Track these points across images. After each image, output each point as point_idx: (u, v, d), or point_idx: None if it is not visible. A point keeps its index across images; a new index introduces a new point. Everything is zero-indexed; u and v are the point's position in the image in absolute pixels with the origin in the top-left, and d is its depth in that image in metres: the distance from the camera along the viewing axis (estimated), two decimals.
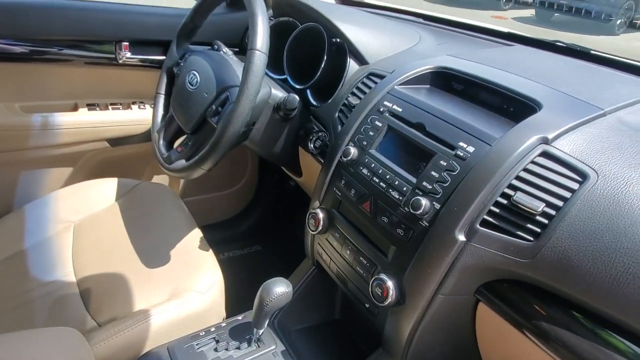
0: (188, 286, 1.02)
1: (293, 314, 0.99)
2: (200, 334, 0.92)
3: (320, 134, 1.04)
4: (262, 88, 1.02)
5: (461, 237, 0.66)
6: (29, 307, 1.00)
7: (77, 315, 0.98)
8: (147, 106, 1.49)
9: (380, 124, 0.83)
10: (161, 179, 1.65)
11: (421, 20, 1.34)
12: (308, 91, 1.13)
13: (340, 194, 0.86)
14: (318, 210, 0.89)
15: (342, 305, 1.04)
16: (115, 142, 1.46)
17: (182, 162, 1.01)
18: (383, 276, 0.73)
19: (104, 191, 1.31)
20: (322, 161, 0.96)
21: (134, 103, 1.48)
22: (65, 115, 1.35)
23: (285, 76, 1.20)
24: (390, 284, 0.72)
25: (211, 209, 1.80)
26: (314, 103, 1.11)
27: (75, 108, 1.39)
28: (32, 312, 0.99)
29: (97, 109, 1.41)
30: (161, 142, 1.12)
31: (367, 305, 0.81)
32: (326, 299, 1.03)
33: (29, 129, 1.30)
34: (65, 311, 0.99)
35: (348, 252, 0.83)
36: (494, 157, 0.66)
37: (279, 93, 1.07)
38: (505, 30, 1.21)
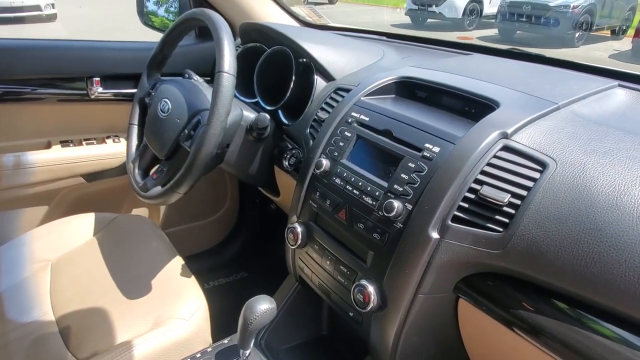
0: (171, 314, 1.00)
1: (280, 333, 0.98)
2: None
3: (294, 151, 1.05)
4: (234, 110, 1.04)
5: (434, 235, 0.67)
6: (6, 350, 0.97)
7: (56, 354, 0.95)
8: (122, 139, 1.49)
9: (349, 134, 0.85)
10: (141, 211, 1.64)
11: (384, 38, 1.40)
12: (279, 111, 1.15)
13: (316, 206, 0.87)
14: (296, 225, 0.89)
15: (329, 320, 1.04)
16: (91, 177, 1.45)
17: (158, 189, 1.02)
18: (364, 282, 0.74)
19: (81, 227, 1.29)
20: (297, 176, 0.98)
21: (108, 137, 1.48)
22: (38, 153, 1.34)
23: (256, 99, 1.23)
24: (371, 289, 0.73)
25: (194, 239, 1.79)
26: (286, 122, 1.13)
27: (48, 146, 1.39)
28: (10, 355, 0.96)
29: (71, 145, 1.41)
30: (136, 171, 1.12)
31: (351, 314, 0.81)
32: (312, 315, 1.03)
33: (1, 169, 1.28)
34: (44, 351, 0.97)
35: (328, 262, 0.83)
36: (459, 154, 0.69)
37: (250, 114, 1.08)
38: (465, 42, 1.27)
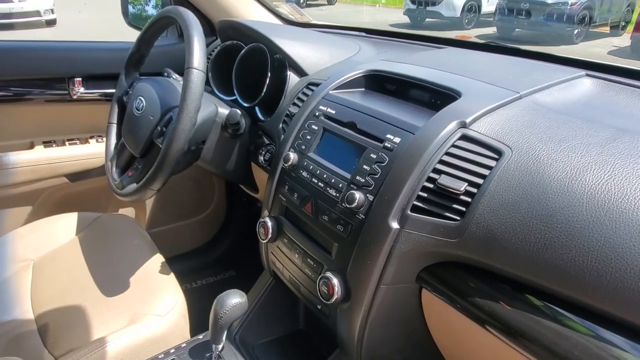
0: (147, 310, 1.01)
1: (255, 328, 0.98)
2: (159, 356, 0.90)
3: (269, 146, 1.06)
4: (208, 107, 1.05)
5: (395, 225, 0.67)
6: None
7: (33, 351, 0.96)
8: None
9: (316, 128, 0.86)
10: (126, 211, 1.64)
11: (364, 34, 1.40)
12: (257, 108, 1.16)
13: (285, 199, 0.87)
14: (267, 219, 0.89)
15: (304, 315, 1.04)
16: (75, 177, 1.46)
17: (133, 186, 1.02)
18: (328, 274, 0.74)
19: (63, 226, 1.30)
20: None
21: (91, 137, 1.49)
22: (21, 153, 1.35)
23: (235, 97, 1.23)
24: (335, 281, 0.73)
25: (182, 238, 1.79)
26: (262, 118, 1.13)
27: (31, 146, 1.39)
28: None
29: (54, 145, 1.42)
30: (114, 169, 1.13)
31: (319, 307, 0.81)
32: (288, 310, 1.03)
33: None
34: (22, 349, 0.97)
35: (297, 255, 0.84)
36: (418, 144, 0.69)
37: (225, 111, 1.09)
38: (443, 37, 1.27)
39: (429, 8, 9.67)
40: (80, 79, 1.38)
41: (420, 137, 0.69)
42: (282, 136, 0.98)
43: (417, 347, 0.80)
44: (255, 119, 1.15)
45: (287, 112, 1.01)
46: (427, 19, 10.18)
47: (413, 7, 9.92)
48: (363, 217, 0.71)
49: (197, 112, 0.92)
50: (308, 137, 0.86)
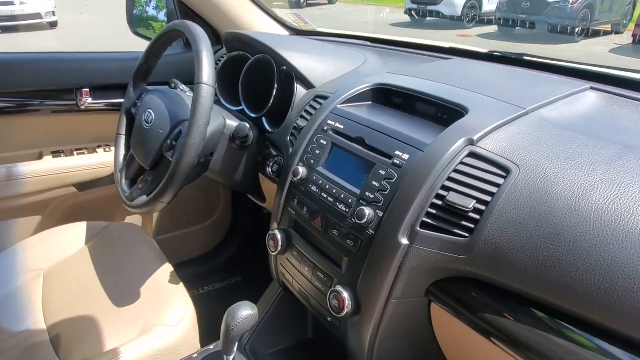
0: (158, 321, 1.02)
1: (265, 338, 1.00)
2: None
3: (277, 158, 1.07)
4: (216, 119, 1.06)
5: (404, 241, 0.68)
6: None
7: None
8: (113, 149, 1.51)
9: (325, 142, 0.87)
10: (134, 219, 1.66)
11: (368, 43, 1.41)
12: (263, 119, 1.17)
13: (294, 213, 0.89)
14: (276, 232, 0.91)
15: (313, 325, 1.05)
16: (83, 186, 1.47)
17: (143, 198, 1.03)
18: (339, 288, 0.75)
19: (73, 236, 1.32)
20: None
21: (99, 147, 1.50)
22: (30, 164, 1.36)
23: (242, 107, 1.24)
24: (345, 294, 0.74)
25: (188, 245, 1.81)
26: (270, 129, 1.14)
27: (40, 157, 1.41)
28: None
29: (63, 155, 1.44)
30: (124, 181, 1.15)
31: (329, 319, 0.82)
32: (297, 320, 1.04)
33: None
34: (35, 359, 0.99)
35: (307, 268, 0.85)
36: (426, 162, 0.70)
37: (233, 123, 1.10)
38: (447, 45, 1.28)
39: (430, 7, 9.67)
40: (88, 89, 1.40)
41: (428, 154, 0.71)
42: (291, 149, 0.99)
43: (426, 358, 0.81)
44: (262, 130, 1.16)
45: (295, 125, 1.02)
46: (428, 18, 10.18)
47: (414, 6, 9.92)
48: (373, 232, 0.72)
49: (207, 126, 0.93)
50: (317, 151, 0.87)
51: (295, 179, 0.87)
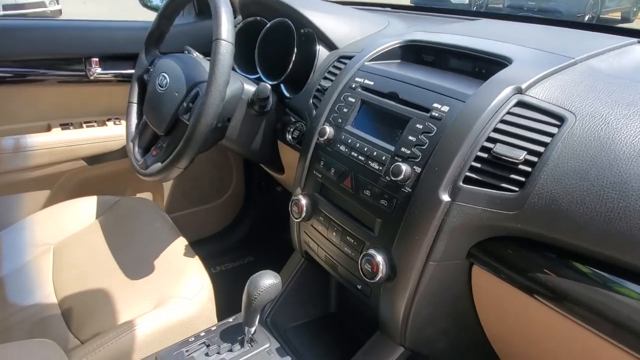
0: (173, 293, 0.98)
1: (286, 311, 0.95)
2: (190, 339, 0.88)
3: (297, 124, 1.02)
4: (234, 83, 1.01)
5: (445, 198, 0.63)
6: (8, 334, 0.95)
7: (58, 335, 0.93)
8: (123, 122, 1.46)
9: (353, 100, 0.81)
10: (144, 195, 1.61)
11: (389, 9, 1.35)
12: (282, 85, 1.12)
13: (320, 176, 0.84)
14: (300, 197, 0.86)
15: (337, 297, 1.00)
16: (93, 160, 1.42)
17: (157, 165, 0.99)
18: (372, 251, 0.70)
19: (83, 210, 1.27)
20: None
21: (108, 120, 1.45)
22: (38, 136, 1.32)
23: (258, 75, 1.19)
24: (379, 258, 0.69)
25: (200, 223, 1.76)
26: (288, 95, 1.09)
27: (48, 129, 1.36)
28: (12, 338, 0.94)
29: (71, 127, 1.38)
30: (136, 149, 1.10)
31: (359, 287, 0.77)
32: (319, 292, 1.00)
33: (0, 152, 1.26)
34: (46, 333, 0.94)
35: (334, 234, 0.80)
36: (469, 112, 0.65)
37: (251, 87, 1.05)
38: (474, 10, 1.22)
39: None
40: (97, 59, 1.34)
41: (471, 105, 0.65)
42: (314, 111, 0.94)
43: (462, 328, 0.76)
44: (280, 97, 1.11)
45: (319, 87, 0.97)
46: (434, 5, 10.04)
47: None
48: (409, 190, 0.67)
49: (227, 85, 0.88)
50: (344, 110, 0.82)
51: (321, 139, 0.82)
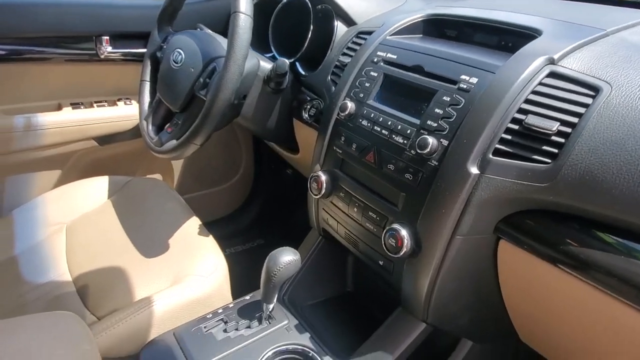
0: (190, 271, 0.97)
1: (303, 289, 0.95)
2: (207, 316, 0.88)
3: (314, 101, 1.00)
4: (251, 59, 0.99)
5: (474, 170, 0.62)
6: (23, 311, 0.95)
7: (74, 312, 0.92)
8: (134, 102, 1.44)
9: (375, 74, 0.80)
10: (154, 176, 1.60)
11: None
12: (297, 63, 1.10)
13: (341, 151, 0.82)
14: (320, 173, 0.85)
15: (354, 276, 1.00)
16: (104, 140, 1.41)
17: (173, 142, 0.97)
18: (396, 226, 0.69)
19: (95, 190, 1.26)
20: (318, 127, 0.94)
21: (119, 100, 1.43)
22: (49, 115, 1.30)
23: (272, 54, 1.18)
24: (404, 232, 0.68)
25: (208, 206, 1.75)
26: (304, 73, 1.07)
27: (58, 108, 1.35)
28: (27, 315, 0.94)
29: (82, 107, 1.37)
30: (150, 127, 1.08)
31: (381, 263, 0.77)
32: (337, 271, 0.99)
33: (11, 131, 1.25)
34: (62, 309, 0.94)
35: (355, 209, 0.79)
36: (499, 84, 0.63)
37: (267, 64, 1.03)
38: None
39: None
40: (108, 37, 1.32)
41: (501, 76, 0.64)
42: (333, 88, 0.93)
43: (484, 304, 0.76)
44: (296, 75, 1.09)
45: (337, 63, 0.95)
46: None
47: None
48: (436, 163, 0.66)
49: (245, 59, 0.86)
50: (366, 84, 0.80)
51: (342, 114, 0.81)
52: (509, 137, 0.61)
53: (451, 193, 0.63)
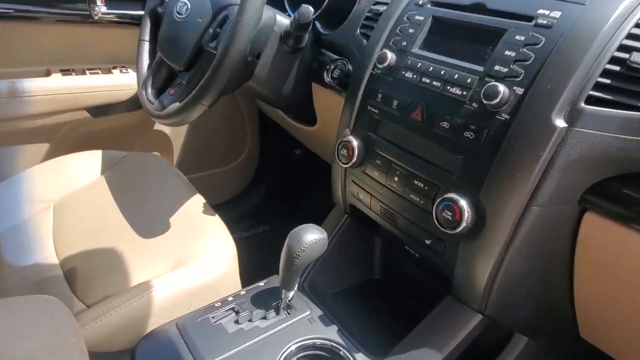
0: (194, 253, 0.85)
1: (326, 276, 0.82)
2: (216, 304, 0.75)
3: (338, 62, 0.88)
4: (266, 12, 0.86)
5: (560, 123, 0.49)
6: (5, 295, 0.82)
7: (60, 298, 0.79)
8: (130, 71, 1.31)
9: (421, 18, 0.67)
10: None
11: None
12: (316, 22, 0.97)
13: (377, 111, 0.69)
14: (350, 138, 0.72)
15: (382, 262, 0.87)
16: (97, 111, 1.28)
17: (176, 105, 0.84)
18: (453, 195, 0.56)
19: (87, 165, 1.13)
20: (343, 93, 0.81)
21: (114, 67, 1.30)
22: (37, 80, 1.16)
23: (287, 13, 1.04)
24: (463, 203, 0.55)
25: (210, 188, 1.61)
26: (325, 32, 0.94)
27: (47, 74, 1.21)
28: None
29: (73, 74, 1.23)
30: (149, 90, 0.95)
31: (427, 242, 0.64)
32: (363, 255, 0.86)
33: None
34: (48, 294, 0.81)
35: (396, 179, 0.66)
36: (592, 16, 0.50)
37: (284, 20, 0.90)
38: None
39: None
40: None
41: (594, 8, 0.51)
42: (365, 41, 0.80)
43: (550, 290, 0.63)
44: (316, 35, 0.96)
45: (369, 14, 0.82)
46: None
47: None
48: (508, 117, 0.53)
49: (264, 3, 0.73)
50: (410, 30, 0.67)
51: (380, 66, 0.68)
52: (607, 80, 0.49)
53: (529, 153, 0.51)
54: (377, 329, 0.75)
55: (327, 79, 0.89)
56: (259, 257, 1.20)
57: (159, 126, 1.43)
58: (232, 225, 1.60)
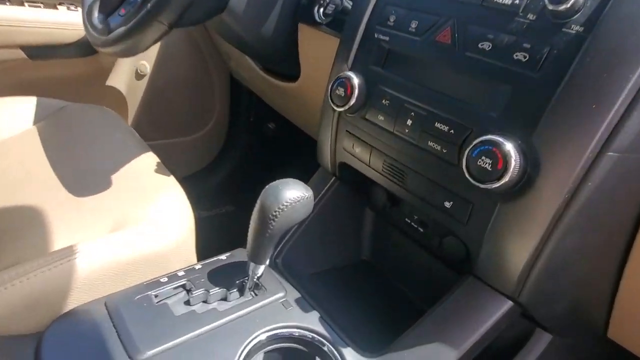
0: (140, 215, 0.67)
1: (304, 252, 0.66)
2: (161, 279, 0.57)
3: None
4: None
5: None
6: None
7: None
8: (79, 8, 1.10)
9: None
10: None
11: None
12: None
13: (387, 38, 0.54)
14: (350, 73, 0.56)
15: (373, 240, 0.71)
16: (35, 52, 1.07)
17: (127, 25, 0.66)
18: (494, 137, 0.41)
19: (16, 112, 0.95)
20: (336, 33, 0.66)
21: (61, 4, 1.09)
22: None
23: None
24: (508, 147, 0.40)
25: (168, 160, 1.42)
26: None
27: None
28: None
29: (7, 4, 1.02)
30: (95, 14, 0.76)
31: (447, 205, 0.49)
32: (351, 231, 0.71)
33: None
34: None
35: (409, 123, 0.51)
36: None
37: None
38: None
39: None
40: None
41: None
42: None
43: (596, 276, 0.49)
44: None
45: None
46: None
47: None
48: (580, 29, 0.39)
49: None
50: None
51: None
52: None
53: (611, 77, 0.36)
54: (366, 320, 0.59)
55: (317, 15, 0.73)
56: (219, 239, 1.02)
57: (111, 80, 1.22)
58: (192, 203, 1.41)
